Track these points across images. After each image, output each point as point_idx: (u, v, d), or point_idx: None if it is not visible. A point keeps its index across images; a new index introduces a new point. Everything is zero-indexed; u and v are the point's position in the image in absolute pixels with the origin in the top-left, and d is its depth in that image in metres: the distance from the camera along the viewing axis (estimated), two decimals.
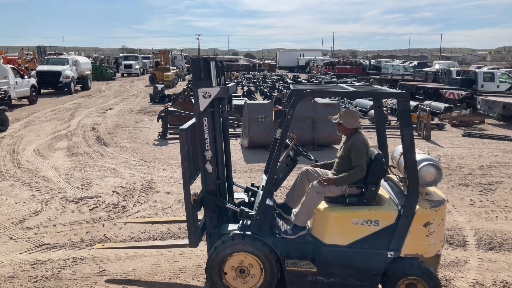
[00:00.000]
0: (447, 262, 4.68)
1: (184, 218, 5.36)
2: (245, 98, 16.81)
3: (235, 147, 10.18)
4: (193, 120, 3.99)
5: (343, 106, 16.65)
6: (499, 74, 20.02)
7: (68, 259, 4.64)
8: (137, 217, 5.84)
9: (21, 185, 7.20)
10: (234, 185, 4.44)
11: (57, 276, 4.27)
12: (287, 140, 4.02)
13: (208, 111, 3.76)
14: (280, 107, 3.66)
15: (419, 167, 3.59)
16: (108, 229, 5.44)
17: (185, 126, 3.80)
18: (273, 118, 3.77)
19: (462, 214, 6.15)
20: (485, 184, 7.55)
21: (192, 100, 14.05)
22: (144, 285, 4.13)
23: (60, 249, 4.87)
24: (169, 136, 11.25)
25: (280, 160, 3.81)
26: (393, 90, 3.95)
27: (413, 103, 14.49)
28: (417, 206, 3.52)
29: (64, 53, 34.59)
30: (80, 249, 4.89)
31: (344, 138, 3.97)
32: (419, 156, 3.69)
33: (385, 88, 4.39)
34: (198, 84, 3.71)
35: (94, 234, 5.29)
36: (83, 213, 5.98)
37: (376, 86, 4.52)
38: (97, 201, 6.45)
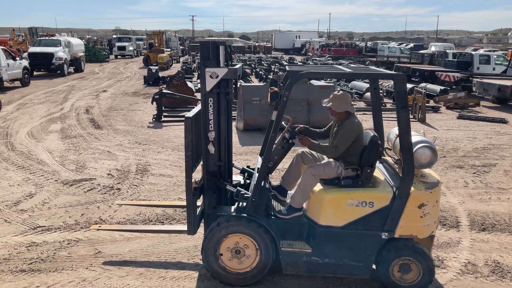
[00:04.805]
0: (440, 242, 4.74)
1: (179, 202, 5.42)
2: (240, 81, 16.69)
3: None
4: (198, 107, 3.94)
5: (338, 89, 16.58)
6: (495, 56, 19.97)
7: (63, 241, 4.64)
8: (132, 200, 5.84)
9: (15, 168, 7.15)
10: (232, 167, 4.43)
11: (52, 258, 4.28)
12: (282, 122, 3.99)
13: (214, 91, 3.71)
14: (276, 89, 3.63)
15: (414, 149, 3.59)
16: (103, 211, 5.44)
17: (190, 114, 3.74)
18: (268, 100, 3.75)
19: (455, 195, 6.21)
20: (479, 166, 7.60)
21: (186, 82, 14.01)
22: (139, 267, 4.15)
23: (55, 232, 4.87)
24: (163, 119, 11.18)
25: (275, 142, 3.81)
26: (390, 72, 3.92)
27: (408, 86, 14.44)
28: (412, 188, 3.53)
29: (57, 34, 34.02)
30: (75, 231, 4.89)
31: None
32: (414, 138, 3.69)
33: (381, 69, 4.36)
34: (206, 63, 3.65)
35: (89, 216, 5.29)
36: (78, 195, 5.96)
37: (373, 67, 4.48)
38: (92, 183, 6.43)
